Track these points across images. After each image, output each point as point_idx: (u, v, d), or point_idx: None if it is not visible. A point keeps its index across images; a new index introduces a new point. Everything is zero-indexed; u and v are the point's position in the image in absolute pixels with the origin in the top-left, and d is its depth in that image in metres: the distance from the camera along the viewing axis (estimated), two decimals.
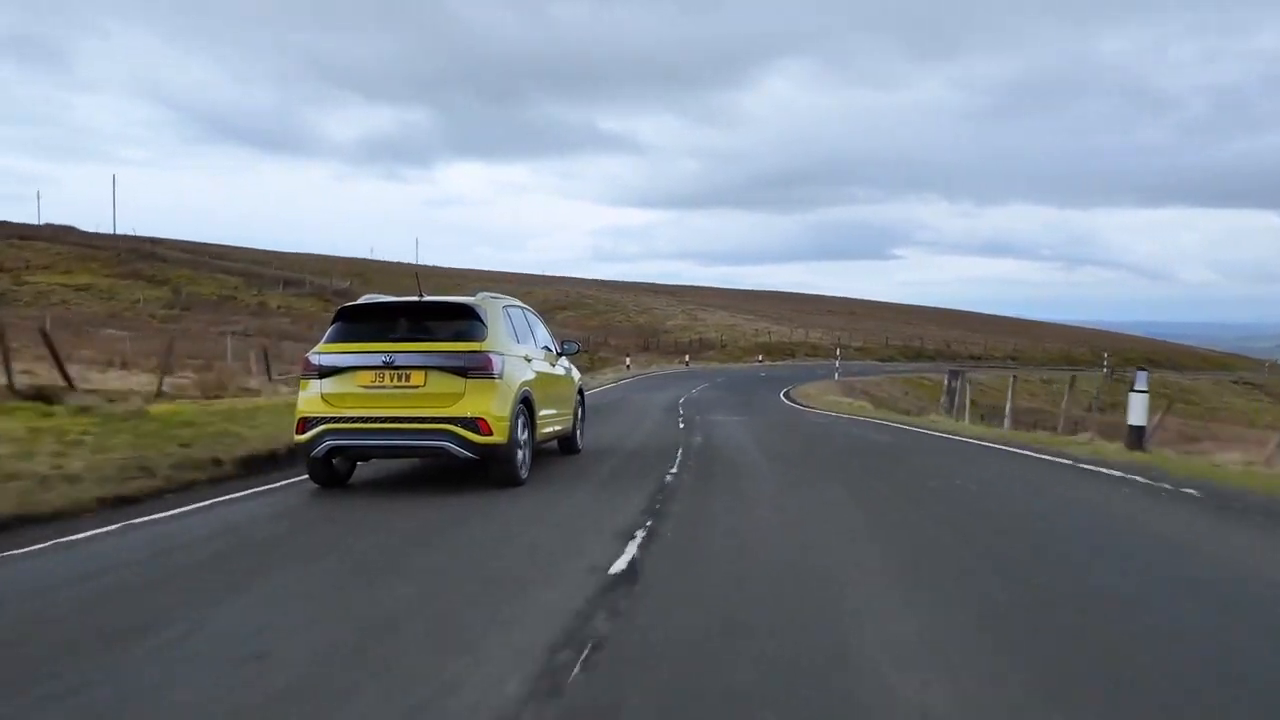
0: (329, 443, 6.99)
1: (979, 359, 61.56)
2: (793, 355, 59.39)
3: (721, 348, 59.83)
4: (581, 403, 10.33)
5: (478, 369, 7.04)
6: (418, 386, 7.00)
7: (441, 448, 6.94)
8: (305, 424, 7.07)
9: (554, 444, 9.84)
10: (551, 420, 8.60)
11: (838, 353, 44.51)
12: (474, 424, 6.91)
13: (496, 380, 7.10)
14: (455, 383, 7.00)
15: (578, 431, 10.00)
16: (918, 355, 64.28)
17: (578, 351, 9.91)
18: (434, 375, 7.02)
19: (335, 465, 7.57)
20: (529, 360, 7.92)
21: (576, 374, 10.19)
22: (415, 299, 7.58)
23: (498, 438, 7.00)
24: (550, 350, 9.28)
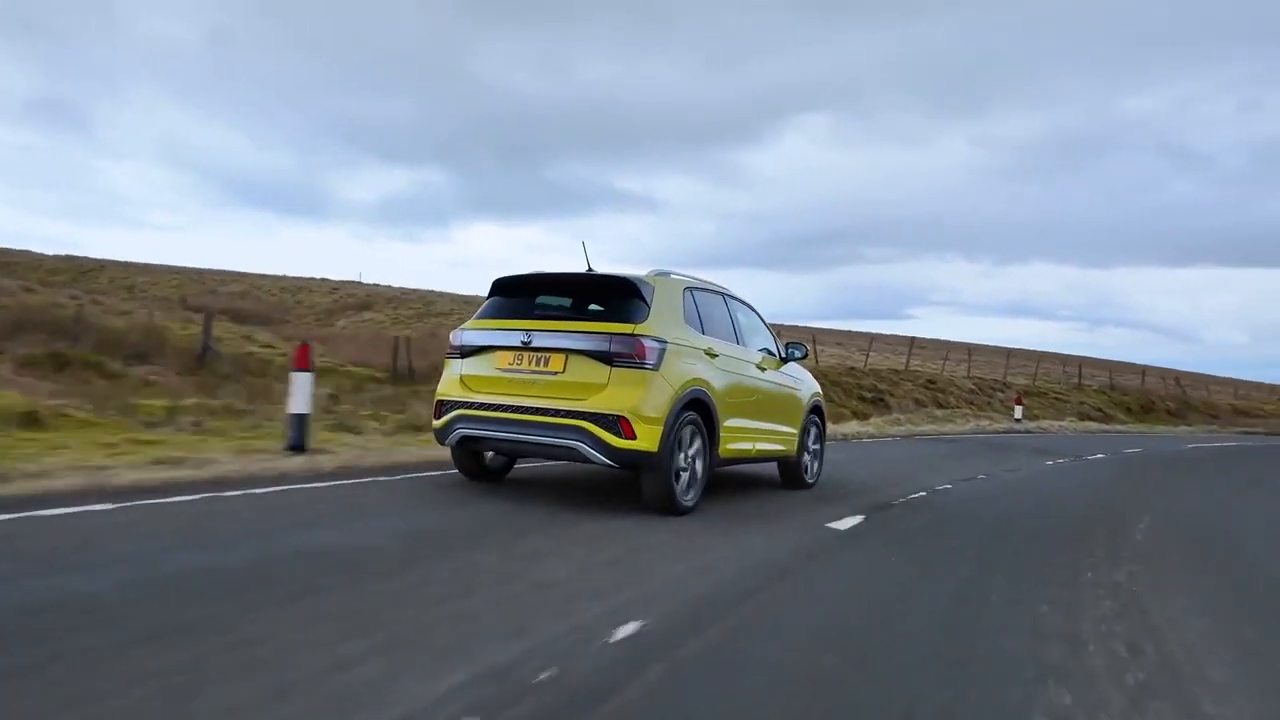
0: (460, 430, 6.02)
1: None
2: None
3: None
4: (820, 424, 8.43)
5: (625, 355, 5.63)
6: (556, 373, 5.78)
7: (572, 449, 5.62)
8: (440, 407, 6.18)
9: (774, 468, 8.09)
10: (750, 436, 6.89)
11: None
12: (614, 423, 5.52)
13: (649, 371, 5.64)
14: (598, 370, 5.67)
15: (806, 458, 8.11)
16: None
17: (805, 356, 8.00)
18: (575, 360, 5.75)
19: (486, 456, 6.64)
20: (713, 355, 6.32)
21: (809, 386, 8.27)
22: (576, 272, 6.38)
23: (643, 444, 5.52)
24: (770, 353, 7.58)
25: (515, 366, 5.92)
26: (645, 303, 5.89)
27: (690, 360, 6.02)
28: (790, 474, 7.98)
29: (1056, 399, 31.79)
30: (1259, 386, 47.95)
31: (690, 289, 6.49)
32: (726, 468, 6.96)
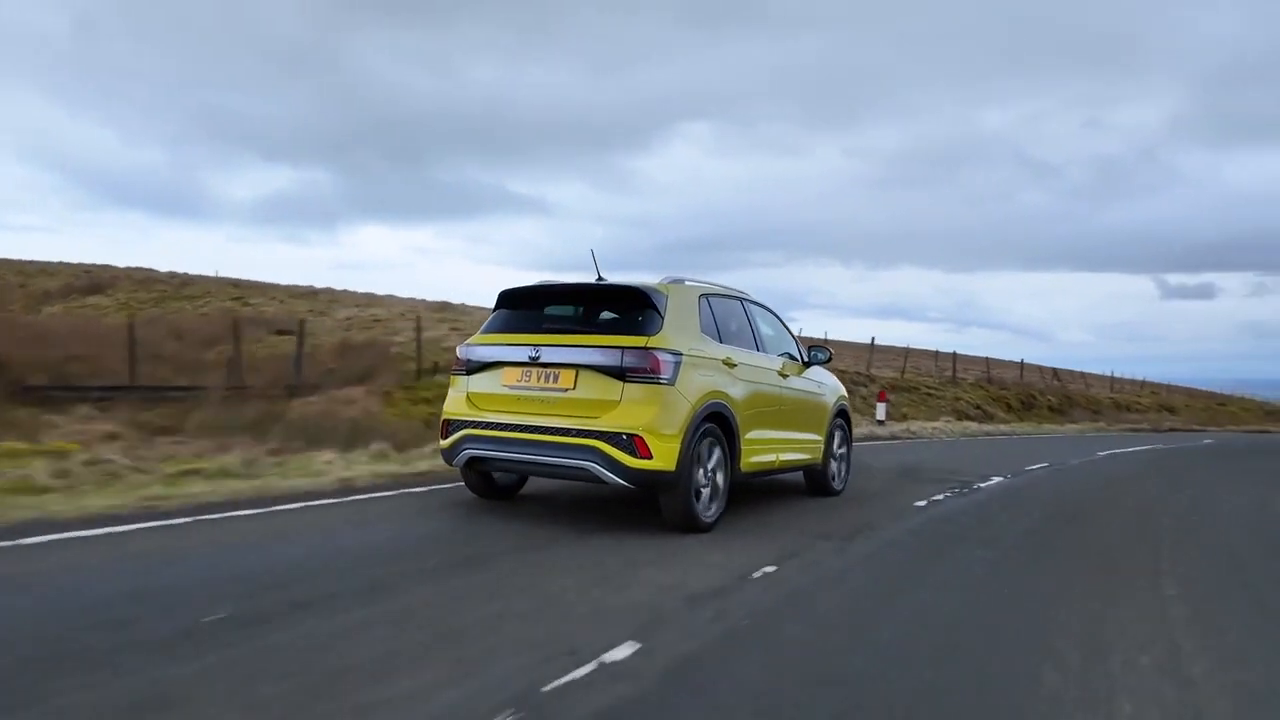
0: (467, 451, 5.74)
1: None
2: None
3: None
4: (845, 428, 8.09)
5: (639, 370, 5.32)
6: (565, 389, 5.48)
7: (584, 469, 5.33)
8: (447, 427, 5.91)
9: (799, 476, 7.76)
10: (774, 446, 6.56)
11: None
12: (628, 442, 5.21)
13: (664, 386, 5.32)
14: (610, 387, 5.37)
15: (834, 464, 7.78)
16: None
17: (829, 359, 7.64)
18: (585, 376, 5.45)
19: (496, 476, 6.37)
20: (731, 365, 5.99)
21: (833, 389, 7.93)
22: (585, 282, 6.07)
23: (660, 463, 5.22)
24: (793, 358, 7.24)
25: (523, 383, 5.63)
26: (659, 313, 5.58)
27: (708, 372, 5.70)
28: (817, 482, 7.67)
29: (929, 394, 27.39)
30: (1130, 381, 45.33)
31: (706, 295, 6.17)
32: (752, 480, 6.64)
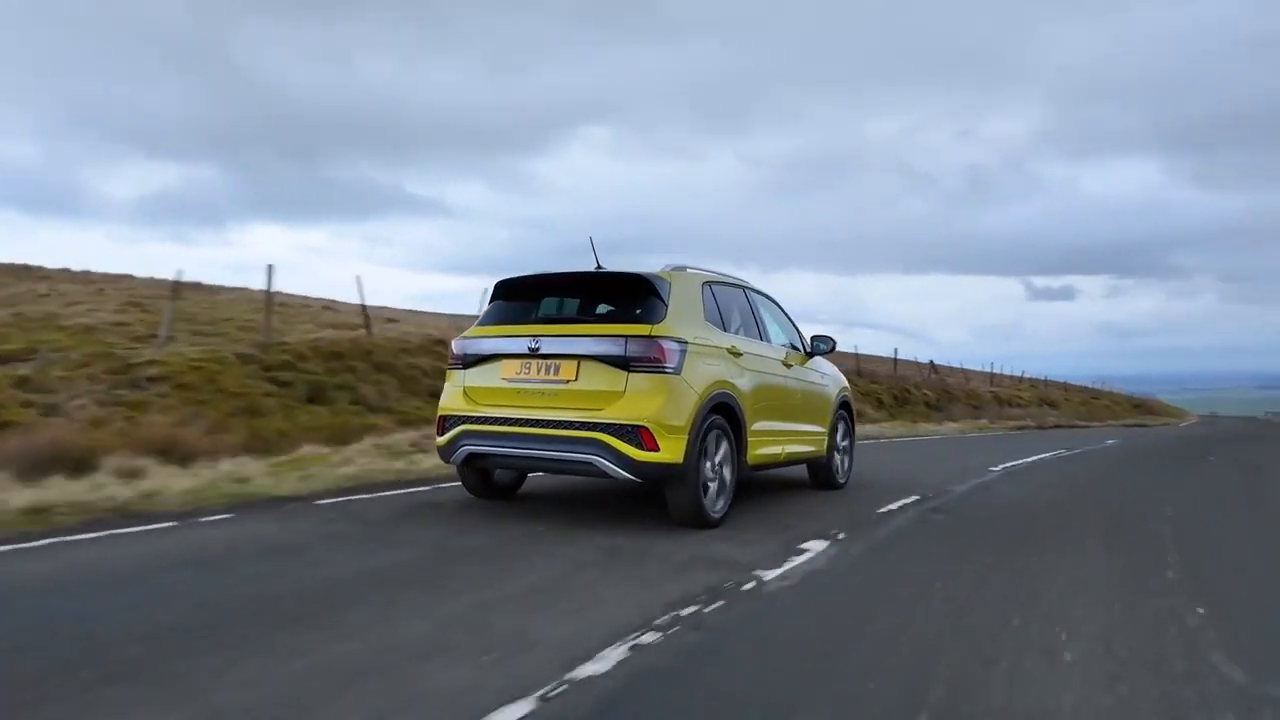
0: (466, 447, 5.53)
1: None
2: None
3: None
4: (848, 420, 7.92)
5: (643, 360, 5.13)
6: (567, 381, 5.28)
7: (589, 464, 5.13)
8: (444, 423, 5.69)
9: (803, 469, 7.59)
10: (779, 438, 6.39)
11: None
12: (633, 434, 5.02)
13: (670, 376, 5.14)
14: (614, 377, 5.17)
15: (837, 457, 7.62)
16: None
17: (832, 350, 7.48)
18: (587, 367, 5.25)
19: (495, 473, 6.16)
20: (736, 354, 5.81)
21: (836, 380, 7.76)
22: (584, 271, 5.87)
23: (667, 455, 5.03)
24: (795, 348, 7.07)
25: (523, 376, 5.43)
26: (662, 301, 5.40)
27: (713, 361, 5.52)
28: (821, 475, 7.50)
29: None
30: (1010, 376, 42.78)
31: (708, 283, 5.99)
32: (755, 474, 6.47)
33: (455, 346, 5.83)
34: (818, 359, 7.40)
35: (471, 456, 5.55)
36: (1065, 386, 49.30)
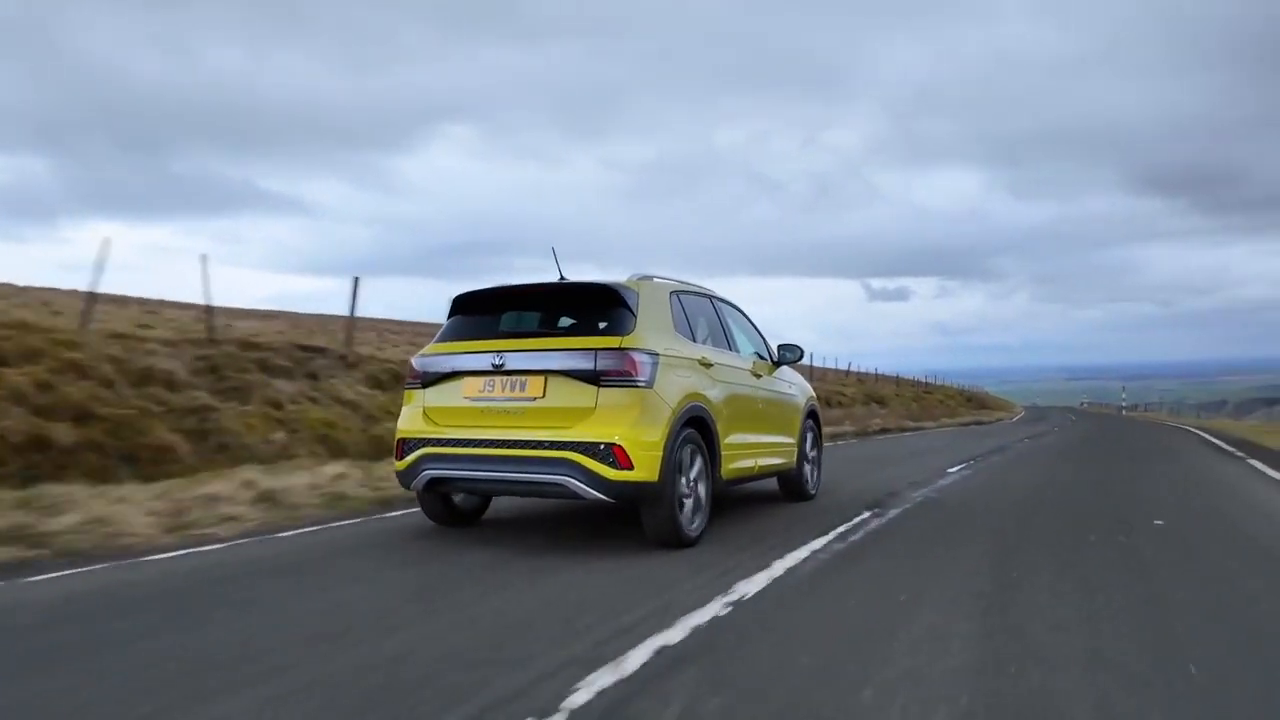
0: (428, 471, 5.23)
1: None
2: None
3: None
4: (815, 429, 7.79)
5: (614, 373, 4.91)
6: (535, 398, 5.03)
7: (560, 485, 4.88)
8: (403, 446, 5.39)
9: (773, 483, 7.42)
10: (752, 451, 6.21)
11: None
12: (606, 452, 4.79)
13: (642, 389, 4.92)
14: (583, 392, 4.93)
15: (807, 467, 7.47)
16: None
17: (799, 359, 7.35)
18: (556, 382, 5.01)
19: (457, 498, 5.86)
20: (707, 365, 5.63)
21: (803, 390, 7.63)
22: (548, 282, 5.63)
23: (642, 474, 4.80)
24: (762, 357, 6.91)
25: (487, 394, 5.16)
26: (631, 311, 5.18)
27: (685, 373, 5.32)
28: (791, 486, 7.35)
29: None
30: (835, 370, 38.14)
31: (677, 293, 5.80)
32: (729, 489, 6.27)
33: (414, 364, 5.54)
34: (784, 368, 7.26)
35: (434, 481, 5.26)
36: (897, 381, 44.60)
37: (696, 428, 5.31)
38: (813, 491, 7.53)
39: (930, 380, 52.27)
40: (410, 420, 5.43)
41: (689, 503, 5.21)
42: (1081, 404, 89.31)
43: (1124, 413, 57.69)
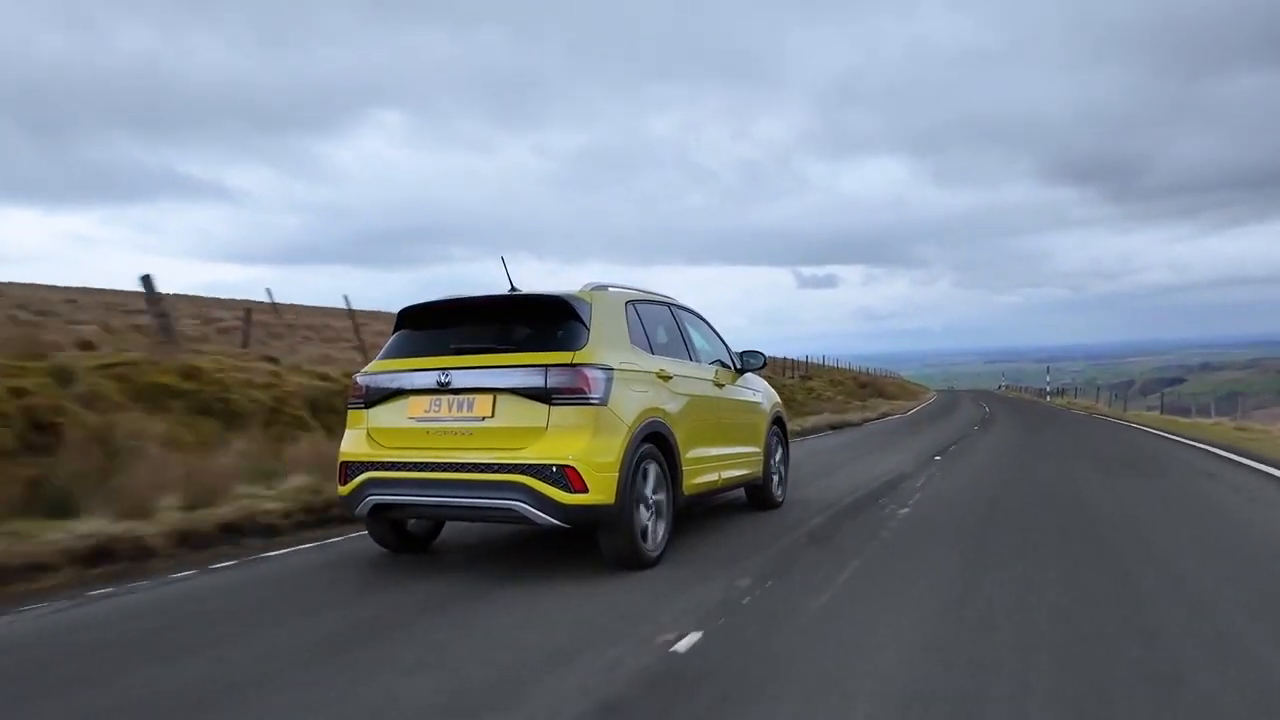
0: (373, 497, 4.95)
1: None
2: None
3: None
4: (782, 435, 7.58)
5: (566, 390, 4.66)
6: (483, 418, 4.77)
7: (510, 510, 4.62)
8: (346, 470, 5.10)
9: (740, 494, 7.20)
10: (715, 464, 5.98)
11: None
12: (558, 475, 4.54)
13: (596, 407, 4.67)
14: (534, 411, 4.68)
15: (775, 477, 7.26)
16: None
17: (764, 365, 7.13)
18: (505, 401, 4.75)
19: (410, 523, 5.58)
20: (666, 378, 5.39)
21: (768, 396, 7.42)
22: (496, 294, 5.36)
23: (597, 496, 4.56)
24: (724, 365, 6.69)
25: (433, 414, 4.89)
26: (583, 324, 4.93)
27: (642, 388, 5.08)
28: (758, 495, 7.15)
29: None
30: (771, 359, 36.39)
31: (632, 302, 5.56)
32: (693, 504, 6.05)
33: (358, 381, 5.25)
34: (748, 375, 7.05)
35: (379, 508, 4.98)
36: (782, 366, 35.78)
37: (656, 444, 5.08)
38: (780, 500, 7.34)
39: (816, 363, 44.04)
40: (353, 442, 5.13)
41: (649, 523, 4.98)
42: (1000, 387, 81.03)
43: (1048, 399, 51.02)
